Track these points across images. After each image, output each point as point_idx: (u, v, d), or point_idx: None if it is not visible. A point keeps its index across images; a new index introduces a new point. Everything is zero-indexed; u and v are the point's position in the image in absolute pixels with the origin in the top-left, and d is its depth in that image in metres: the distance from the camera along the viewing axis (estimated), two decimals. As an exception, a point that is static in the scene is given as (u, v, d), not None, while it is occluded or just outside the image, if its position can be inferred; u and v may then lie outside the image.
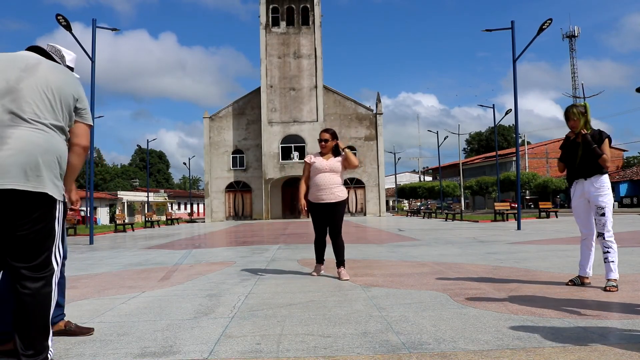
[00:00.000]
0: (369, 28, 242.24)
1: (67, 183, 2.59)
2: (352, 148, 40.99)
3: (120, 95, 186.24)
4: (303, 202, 5.55)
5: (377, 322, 3.35)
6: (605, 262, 4.40)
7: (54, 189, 2.38)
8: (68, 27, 13.87)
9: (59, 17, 13.78)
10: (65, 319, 3.21)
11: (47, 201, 2.36)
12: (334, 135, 5.54)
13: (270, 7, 39.93)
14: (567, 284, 4.61)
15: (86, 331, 3.16)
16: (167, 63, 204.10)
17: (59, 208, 2.45)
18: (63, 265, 2.98)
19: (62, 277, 3.04)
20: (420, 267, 6.30)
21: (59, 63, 2.77)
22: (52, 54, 2.81)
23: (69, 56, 2.99)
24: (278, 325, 3.33)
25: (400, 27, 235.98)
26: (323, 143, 5.49)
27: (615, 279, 4.32)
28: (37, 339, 2.33)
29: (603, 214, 4.42)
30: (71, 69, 2.97)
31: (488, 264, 6.46)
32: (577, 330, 2.97)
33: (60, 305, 3.08)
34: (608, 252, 4.38)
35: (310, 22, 39.83)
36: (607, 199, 4.45)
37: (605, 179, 4.50)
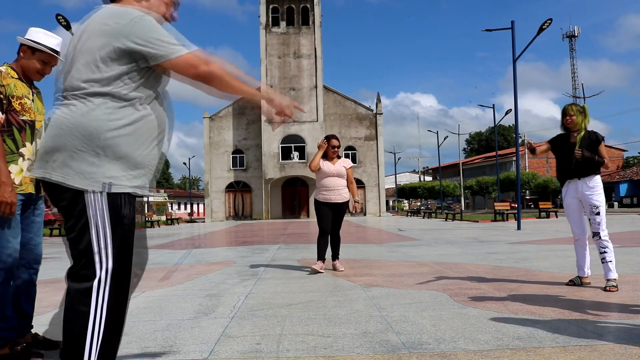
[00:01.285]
0: (367, 28, 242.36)
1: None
2: (352, 148, 41.04)
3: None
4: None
5: (377, 322, 3.35)
6: (603, 262, 4.39)
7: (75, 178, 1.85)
8: (68, 27, 13.88)
9: (59, 17, 13.79)
10: (33, 331, 2.92)
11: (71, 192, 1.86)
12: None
13: (270, 7, 39.94)
14: (567, 284, 4.61)
15: (56, 345, 2.85)
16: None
17: (89, 199, 1.83)
18: (35, 272, 2.82)
19: (32, 286, 2.82)
20: (420, 267, 6.30)
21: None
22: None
23: (56, 40, 2.80)
24: (278, 325, 3.33)
25: (398, 27, 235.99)
26: (336, 149, 6.05)
27: (615, 279, 4.32)
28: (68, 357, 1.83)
29: (598, 213, 4.42)
30: (57, 52, 2.79)
31: (488, 264, 6.46)
32: (577, 330, 2.97)
33: (27, 317, 2.83)
34: (605, 252, 4.38)
35: (310, 22, 39.83)
36: (601, 198, 4.47)
37: (599, 179, 4.52)
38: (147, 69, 1.89)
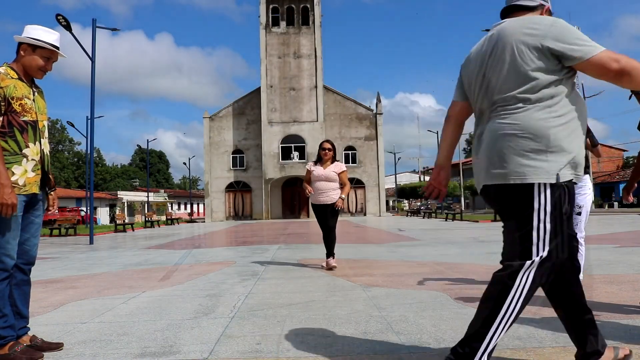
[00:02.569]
0: (365, 29, 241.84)
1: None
2: (352, 148, 41.04)
3: (117, 96, 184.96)
4: (308, 187, 6.43)
5: (377, 322, 3.35)
6: None
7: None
8: (68, 27, 13.87)
9: (59, 17, 13.78)
10: (31, 333, 2.91)
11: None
12: (334, 147, 6.49)
13: (271, 7, 39.93)
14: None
15: (55, 346, 2.85)
16: (163, 64, 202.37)
17: (538, 194, 1.99)
18: (28, 272, 2.81)
19: (26, 285, 2.81)
20: (420, 267, 6.30)
21: None
22: None
23: (55, 35, 2.81)
24: (278, 325, 3.33)
25: (397, 28, 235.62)
26: (326, 152, 6.37)
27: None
28: (472, 336, 2.02)
29: (579, 213, 4.35)
30: (57, 47, 2.81)
31: (488, 264, 6.46)
32: (577, 330, 2.96)
33: (24, 317, 2.81)
34: None
35: (310, 22, 39.82)
36: (587, 199, 4.36)
37: (587, 179, 4.45)
38: (568, 67, 2.00)
